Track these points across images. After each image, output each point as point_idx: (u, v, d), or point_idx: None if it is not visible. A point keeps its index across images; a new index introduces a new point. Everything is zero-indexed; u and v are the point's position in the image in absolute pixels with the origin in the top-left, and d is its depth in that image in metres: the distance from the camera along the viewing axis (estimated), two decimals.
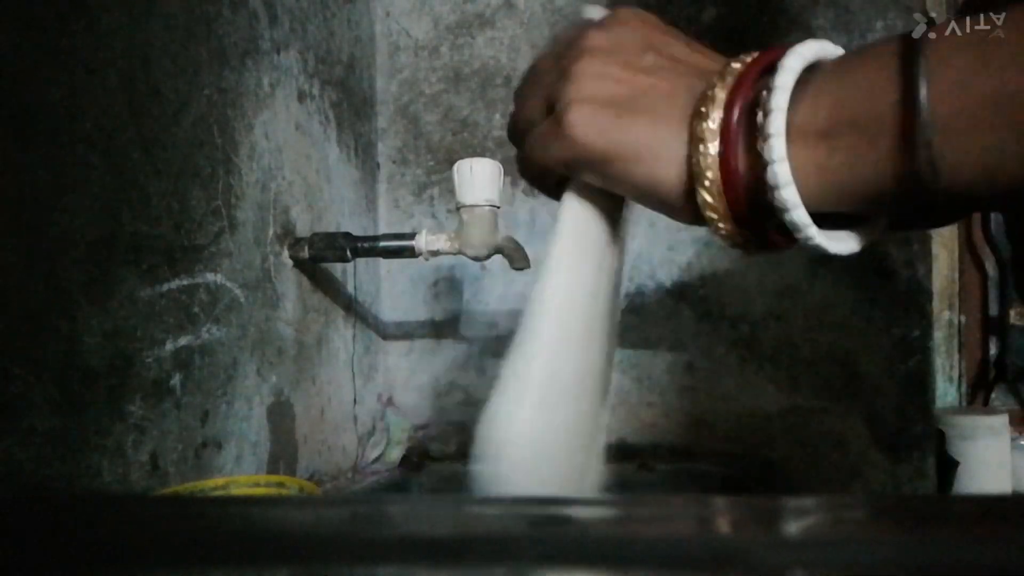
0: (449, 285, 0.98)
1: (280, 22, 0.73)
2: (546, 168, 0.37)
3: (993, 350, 1.15)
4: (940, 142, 0.27)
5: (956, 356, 1.12)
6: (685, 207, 0.32)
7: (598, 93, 0.33)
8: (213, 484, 0.55)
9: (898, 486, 0.82)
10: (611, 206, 0.37)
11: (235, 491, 0.56)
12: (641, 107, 0.33)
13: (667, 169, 0.32)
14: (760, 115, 0.30)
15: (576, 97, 0.33)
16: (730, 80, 0.31)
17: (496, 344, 0.96)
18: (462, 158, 0.70)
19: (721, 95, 0.31)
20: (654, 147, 0.32)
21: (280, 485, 0.60)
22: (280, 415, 0.71)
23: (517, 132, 0.39)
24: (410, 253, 0.72)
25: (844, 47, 0.32)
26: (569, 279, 0.36)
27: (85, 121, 0.47)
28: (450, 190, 0.75)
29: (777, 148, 0.29)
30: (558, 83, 0.35)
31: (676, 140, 0.32)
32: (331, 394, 0.82)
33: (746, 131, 0.30)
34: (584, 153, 0.33)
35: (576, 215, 0.37)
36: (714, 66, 0.33)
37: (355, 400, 0.88)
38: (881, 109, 0.28)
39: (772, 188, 0.30)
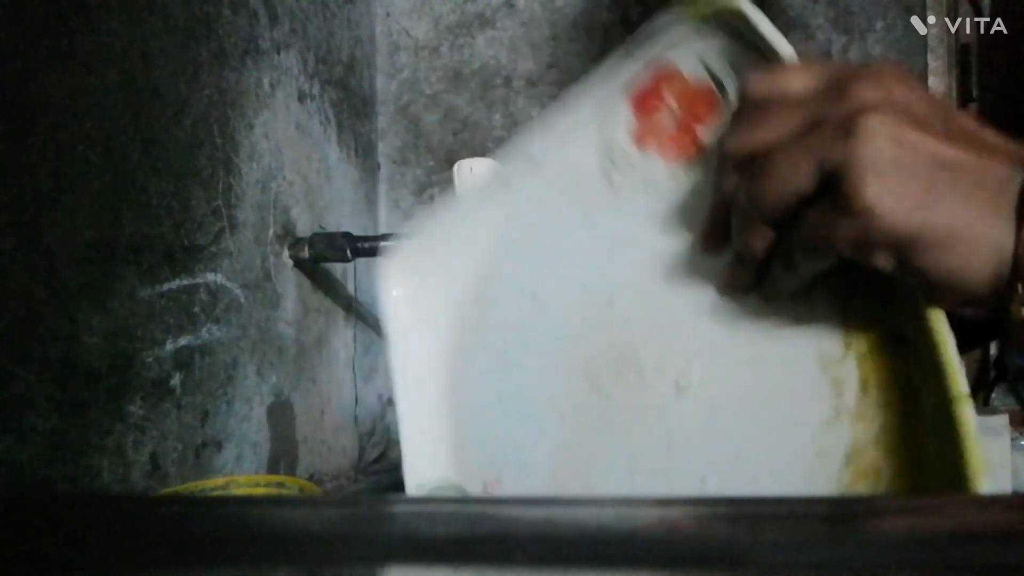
0: None
1: (280, 22, 0.73)
2: (826, 251, 0.30)
3: (993, 350, 1.15)
4: None
5: None
6: (987, 301, 0.29)
7: (901, 159, 0.28)
8: (213, 484, 0.55)
9: None
10: None
11: (235, 491, 0.56)
12: (951, 183, 0.28)
13: (981, 259, 0.28)
14: None
15: (874, 162, 0.27)
16: None
17: None
18: (462, 158, 0.70)
19: None
20: (970, 233, 0.28)
21: (280, 485, 0.60)
22: (280, 415, 0.71)
23: (767, 199, 0.31)
24: None
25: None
26: None
27: (85, 121, 0.47)
28: (450, 190, 0.75)
29: None
30: (837, 141, 0.28)
31: (995, 227, 0.27)
32: (331, 394, 0.82)
33: None
34: (885, 234, 0.28)
35: None
36: (1016, 149, 0.29)
37: (355, 400, 0.88)
38: None
39: None
